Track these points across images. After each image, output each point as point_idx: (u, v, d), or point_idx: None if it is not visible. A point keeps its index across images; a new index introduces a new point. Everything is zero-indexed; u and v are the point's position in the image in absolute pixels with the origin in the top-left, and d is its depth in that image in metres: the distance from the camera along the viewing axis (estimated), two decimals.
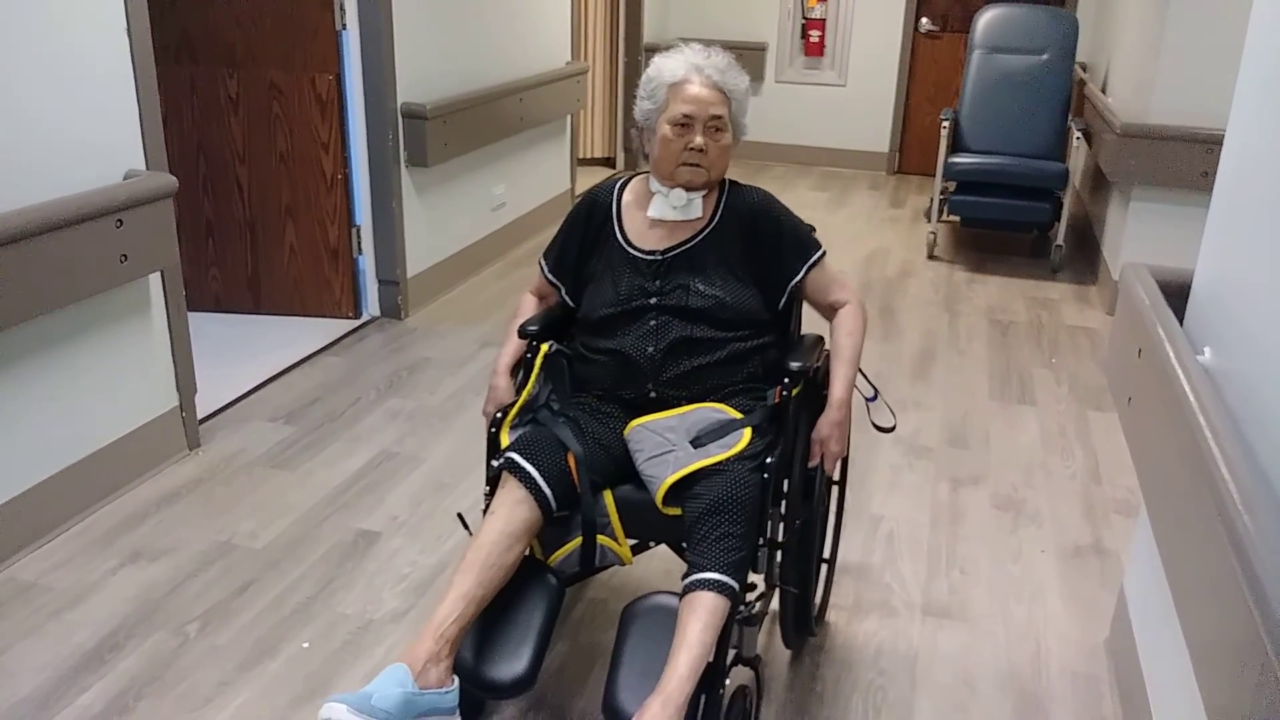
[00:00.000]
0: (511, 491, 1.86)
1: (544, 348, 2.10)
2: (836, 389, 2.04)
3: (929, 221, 5.52)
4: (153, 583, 2.45)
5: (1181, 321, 2.03)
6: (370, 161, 4.03)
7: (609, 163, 7.19)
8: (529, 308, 2.23)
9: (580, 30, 6.50)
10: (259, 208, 4.03)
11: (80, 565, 2.51)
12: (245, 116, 3.93)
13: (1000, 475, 3.12)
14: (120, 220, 2.60)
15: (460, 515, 2.20)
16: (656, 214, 2.07)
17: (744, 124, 2.10)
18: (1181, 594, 1.54)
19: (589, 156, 7.04)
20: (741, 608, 1.82)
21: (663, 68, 2.06)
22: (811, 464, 2.03)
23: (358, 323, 4.15)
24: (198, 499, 2.82)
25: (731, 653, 1.82)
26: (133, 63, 2.75)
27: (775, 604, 2.18)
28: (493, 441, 2.02)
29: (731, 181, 2.15)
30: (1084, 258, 5.38)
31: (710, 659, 1.71)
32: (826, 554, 2.40)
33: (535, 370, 2.08)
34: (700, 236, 2.08)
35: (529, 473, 1.86)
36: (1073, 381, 3.84)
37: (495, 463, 1.93)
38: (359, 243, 4.11)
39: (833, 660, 2.27)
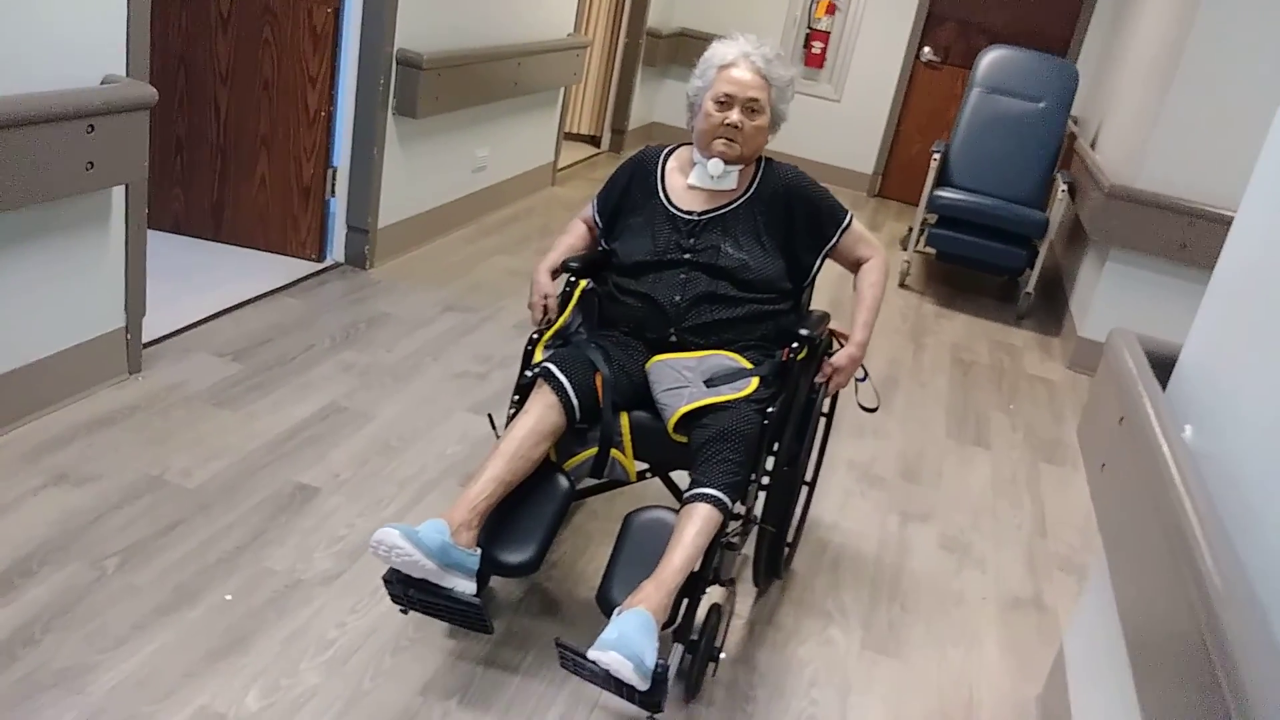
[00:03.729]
0: (545, 396, 2.09)
1: (582, 283, 2.34)
2: (858, 332, 2.34)
3: (904, 250, 5.53)
4: (75, 509, 2.33)
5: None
6: (357, 103, 3.90)
7: (594, 141, 7.09)
8: (574, 233, 2.47)
9: (586, 6, 6.38)
10: (234, 133, 3.88)
11: (0, 481, 2.38)
12: (234, 37, 3.77)
13: (949, 515, 3.11)
14: (91, 125, 2.47)
15: (490, 415, 2.39)
16: (695, 181, 2.31)
17: (783, 110, 2.32)
18: (1144, 669, 1.52)
19: (574, 132, 6.93)
20: (726, 533, 2.02)
21: (715, 52, 2.29)
22: (818, 379, 2.31)
23: (320, 266, 4.02)
24: (132, 427, 2.70)
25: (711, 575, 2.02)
26: None
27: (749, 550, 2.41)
28: (527, 356, 2.26)
29: (767, 159, 2.38)
30: (1050, 309, 5.42)
31: (695, 567, 1.94)
32: (809, 477, 2.69)
33: (573, 301, 2.33)
34: (734, 205, 2.31)
35: (561, 382, 2.09)
36: (1028, 430, 3.86)
37: (530, 372, 2.15)
38: (333, 185, 3.97)
39: (767, 682, 2.23)
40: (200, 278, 3.69)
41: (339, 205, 4.03)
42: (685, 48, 7.29)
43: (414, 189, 4.33)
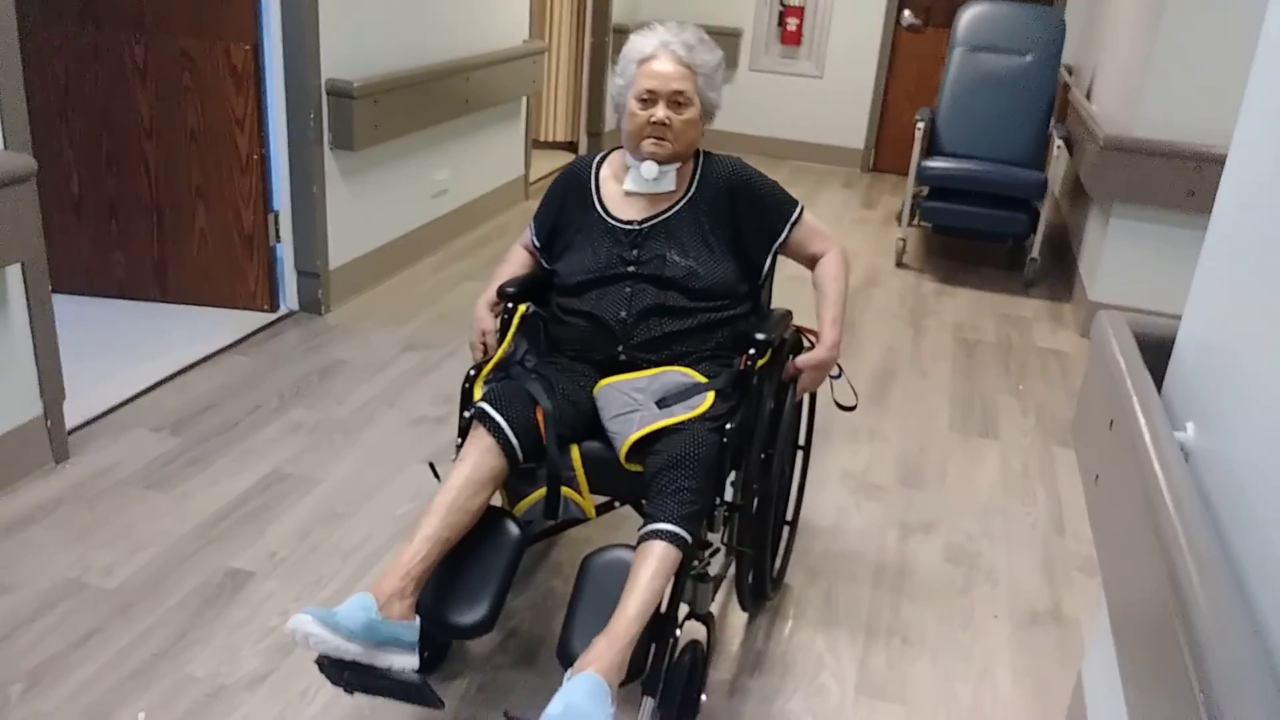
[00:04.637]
0: (480, 440, 1.90)
1: (521, 308, 2.16)
2: (828, 332, 2.17)
3: (900, 226, 5.24)
4: None
5: (1160, 385, 1.76)
6: (290, 142, 3.69)
7: (571, 147, 6.84)
8: (515, 261, 2.29)
9: (546, 8, 6.15)
10: (167, 188, 3.68)
11: None
12: (154, 87, 3.57)
13: (954, 522, 2.84)
14: None
15: (431, 464, 2.19)
16: (630, 186, 2.15)
17: (713, 98, 2.15)
18: (1138, 709, 1.26)
19: (549, 140, 6.70)
20: (695, 564, 1.86)
21: (633, 45, 2.13)
22: (785, 377, 2.14)
23: (273, 317, 3.82)
24: (55, 524, 2.50)
25: (684, 609, 1.84)
26: None
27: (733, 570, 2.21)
28: (466, 395, 2.06)
29: (705, 153, 2.21)
30: (1060, 272, 5.11)
31: (662, 608, 1.76)
32: (789, 516, 2.53)
33: (511, 330, 2.15)
34: (676, 207, 2.15)
35: (497, 423, 1.91)
36: (1040, 412, 3.58)
37: (466, 414, 1.98)
38: (276, 230, 3.77)
39: None
40: (147, 344, 3.49)
41: (285, 250, 3.83)
42: None
43: (367, 224, 4.11)
